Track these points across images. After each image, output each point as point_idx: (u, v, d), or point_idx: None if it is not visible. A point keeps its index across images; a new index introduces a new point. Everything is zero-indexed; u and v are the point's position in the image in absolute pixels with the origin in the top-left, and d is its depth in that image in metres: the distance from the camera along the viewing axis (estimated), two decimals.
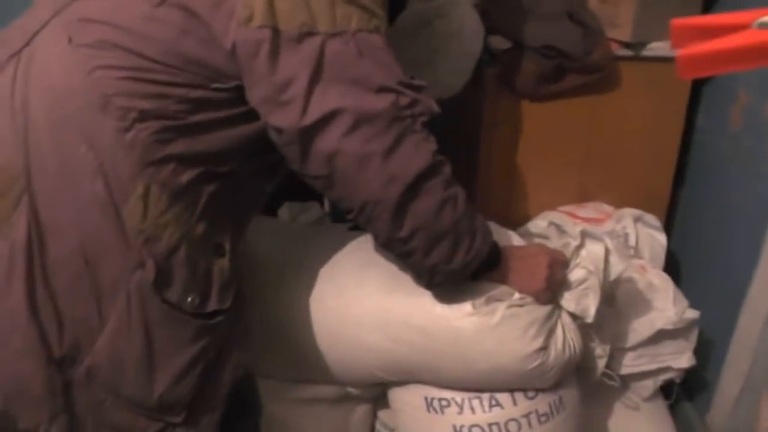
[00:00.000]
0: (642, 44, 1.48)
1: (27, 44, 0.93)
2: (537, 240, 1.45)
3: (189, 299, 0.93)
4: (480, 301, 1.09)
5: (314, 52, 0.88)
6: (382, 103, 0.91)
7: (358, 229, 1.24)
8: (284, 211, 1.56)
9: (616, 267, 1.23)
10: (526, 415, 1.13)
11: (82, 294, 0.89)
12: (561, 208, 1.60)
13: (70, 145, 0.87)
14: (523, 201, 1.61)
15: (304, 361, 1.22)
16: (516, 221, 1.58)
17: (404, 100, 0.93)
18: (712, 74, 0.45)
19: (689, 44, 0.45)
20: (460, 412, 1.13)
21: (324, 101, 0.89)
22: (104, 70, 0.88)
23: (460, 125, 1.61)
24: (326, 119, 0.89)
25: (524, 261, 1.11)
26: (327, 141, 0.90)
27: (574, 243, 1.17)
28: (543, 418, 1.14)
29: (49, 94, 0.89)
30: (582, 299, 1.14)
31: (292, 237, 1.36)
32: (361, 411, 1.33)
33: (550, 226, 1.48)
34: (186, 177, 0.91)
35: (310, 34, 0.88)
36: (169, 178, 0.90)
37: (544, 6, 1.49)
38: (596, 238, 1.18)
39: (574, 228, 1.35)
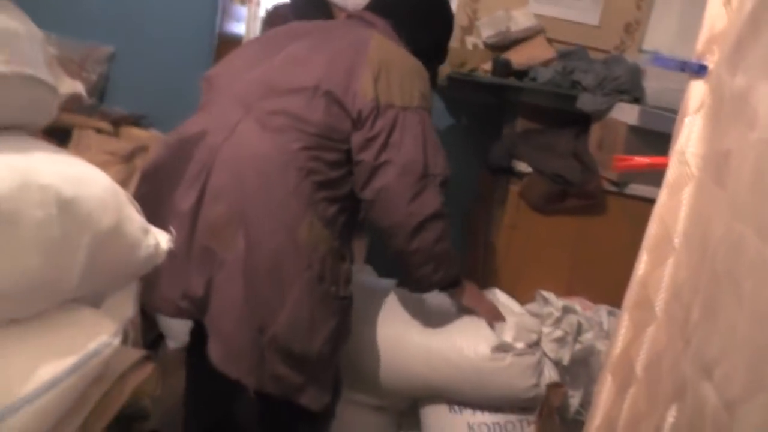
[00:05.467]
0: (625, 184, 2.01)
1: (232, 132, 1.37)
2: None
3: (333, 288, 1.37)
4: (495, 346, 1.55)
5: (392, 118, 1.38)
6: (422, 161, 1.38)
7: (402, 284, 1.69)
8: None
9: (586, 335, 1.70)
10: (520, 420, 1.57)
11: (272, 285, 1.32)
12: None
13: (272, 191, 1.33)
14: (524, 287, 2.07)
15: (363, 376, 1.65)
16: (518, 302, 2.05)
17: (432, 161, 1.40)
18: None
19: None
20: (474, 414, 1.57)
21: (389, 152, 1.36)
22: (286, 144, 1.35)
23: (487, 225, 2.12)
24: (387, 162, 1.36)
25: (481, 296, 1.63)
26: (382, 178, 1.37)
27: (557, 314, 1.64)
28: (530, 423, 1.58)
29: (255, 159, 1.34)
30: (560, 349, 1.61)
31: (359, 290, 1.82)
32: (390, 420, 1.75)
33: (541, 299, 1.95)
34: (331, 211, 1.38)
35: (391, 106, 1.38)
36: (322, 212, 1.36)
37: (558, 146, 2.04)
38: (572, 311, 1.66)
39: (558, 302, 1.82)
